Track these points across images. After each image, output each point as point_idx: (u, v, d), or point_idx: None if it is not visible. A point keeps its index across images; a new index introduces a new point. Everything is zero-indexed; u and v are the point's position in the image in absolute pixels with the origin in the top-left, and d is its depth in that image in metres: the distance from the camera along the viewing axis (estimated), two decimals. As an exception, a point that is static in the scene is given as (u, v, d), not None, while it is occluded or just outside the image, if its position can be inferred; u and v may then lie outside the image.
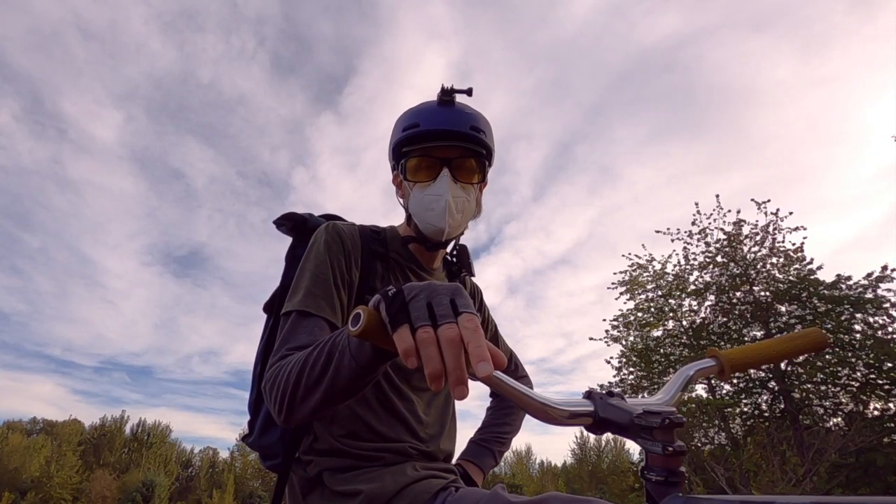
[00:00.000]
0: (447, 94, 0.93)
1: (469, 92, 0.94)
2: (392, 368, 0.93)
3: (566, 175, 76.87)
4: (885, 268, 8.90)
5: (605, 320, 12.29)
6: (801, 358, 9.14)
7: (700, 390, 10.56)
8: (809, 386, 9.35)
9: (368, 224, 1.04)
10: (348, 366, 0.62)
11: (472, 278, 1.17)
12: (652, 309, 11.59)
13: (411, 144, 0.94)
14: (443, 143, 0.92)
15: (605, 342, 12.05)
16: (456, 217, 0.94)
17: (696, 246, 10.91)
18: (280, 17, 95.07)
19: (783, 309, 9.98)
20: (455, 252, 1.07)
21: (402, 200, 1.02)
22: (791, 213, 10.00)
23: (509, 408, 1.22)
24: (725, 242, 10.57)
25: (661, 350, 11.28)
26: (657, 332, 11.66)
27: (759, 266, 10.31)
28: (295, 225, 1.02)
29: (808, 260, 9.92)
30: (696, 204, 10.77)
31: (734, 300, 10.47)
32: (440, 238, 0.96)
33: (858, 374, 8.85)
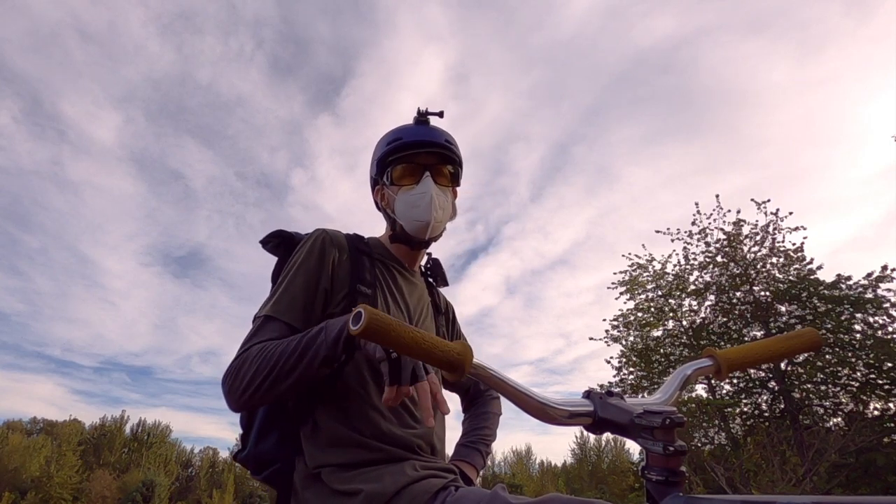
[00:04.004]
0: (422, 116, 1.10)
1: (441, 114, 1.10)
2: None
3: (564, 176, 77.03)
4: (885, 268, 8.89)
5: (604, 320, 12.28)
6: (801, 358, 9.14)
7: (700, 390, 10.57)
8: (809, 386, 9.34)
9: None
10: (324, 357, 0.79)
11: (446, 288, 1.27)
12: (652, 309, 11.58)
13: (396, 154, 1.06)
14: (423, 150, 1.05)
15: (605, 342, 12.04)
16: (439, 212, 1.05)
17: (696, 246, 10.90)
18: (278, 19, 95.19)
19: (783, 309, 9.97)
20: (429, 265, 1.19)
21: (385, 210, 1.12)
22: (791, 213, 10.00)
23: (485, 413, 1.27)
24: (725, 242, 10.56)
25: (661, 350, 11.26)
26: (657, 332, 11.65)
27: (759, 266, 10.29)
28: (282, 241, 1.06)
29: (808, 260, 9.92)
30: (696, 204, 10.76)
31: (734, 300, 10.46)
32: (424, 235, 1.07)
33: (858, 374, 8.84)
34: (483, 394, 1.30)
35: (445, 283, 1.23)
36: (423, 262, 1.19)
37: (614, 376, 11.66)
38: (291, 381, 0.80)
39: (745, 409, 10.16)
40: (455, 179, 1.12)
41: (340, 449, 0.88)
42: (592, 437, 12.36)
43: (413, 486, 0.82)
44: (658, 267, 11.53)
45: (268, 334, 0.88)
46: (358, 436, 0.88)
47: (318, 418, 0.91)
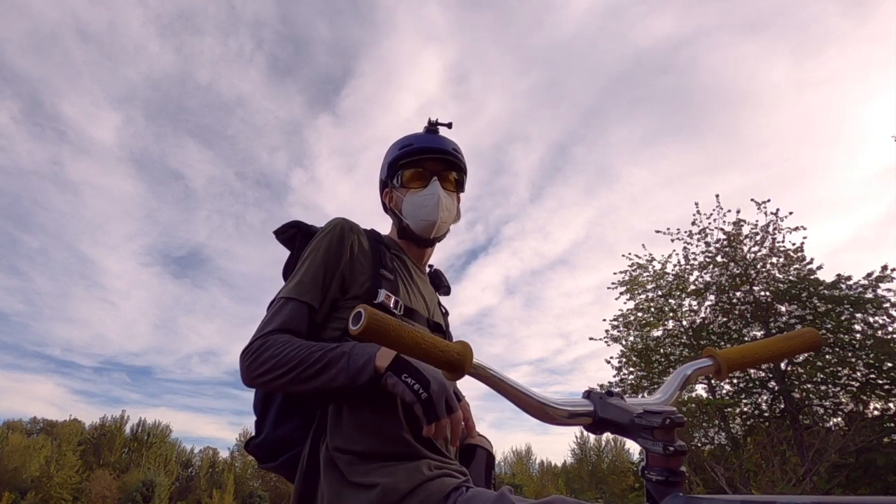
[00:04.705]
0: (432, 126, 1.18)
1: (450, 125, 1.19)
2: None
3: (563, 176, 77.05)
4: (885, 268, 8.88)
5: (605, 320, 12.28)
6: (801, 358, 9.13)
7: (700, 390, 10.56)
8: (809, 386, 9.33)
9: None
10: (342, 383, 0.83)
11: (445, 298, 1.33)
12: (652, 309, 11.57)
13: (406, 158, 1.13)
14: (432, 156, 1.12)
15: (605, 342, 12.04)
16: (444, 213, 1.12)
17: (696, 246, 10.89)
18: (277, 20, 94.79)
19: (783, 309, 9.96)
20: (432, 274, 1.26)
21: (393, 210, 1.18)
22: (791, 213, 10.00)
23: None
24: (725, 242, 10.55)
25: (661, 350, 11.25)
26: (657, 332, 11.64)
27: (759, 266, 10.29)
28: (298, 232, 1.08)
29: (808, 260, 9.91)
30: (696, 204, 10.76)
31: (734, 300, 10.45)
32: (430, 234, 1.13)
33: (858, 374, 8.83)
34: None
35: (447, 292, 1.28)
36: (431, 263, 1.25)
37: (614, 376, 11.67)
38: (306, 388, 0.85)
39: (745, 409, 10.15)
40: (460, 186, 1.19)
41: (363, 433, 0.88)
42: (592, 437, 12.37)
43: (427, 485, 0.83)
44: (658, 267, 11.53)
45: (287, 315, 0.93)
46: (383, 421, 0.89)
47: (345, 398, 0.91)
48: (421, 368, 0.82)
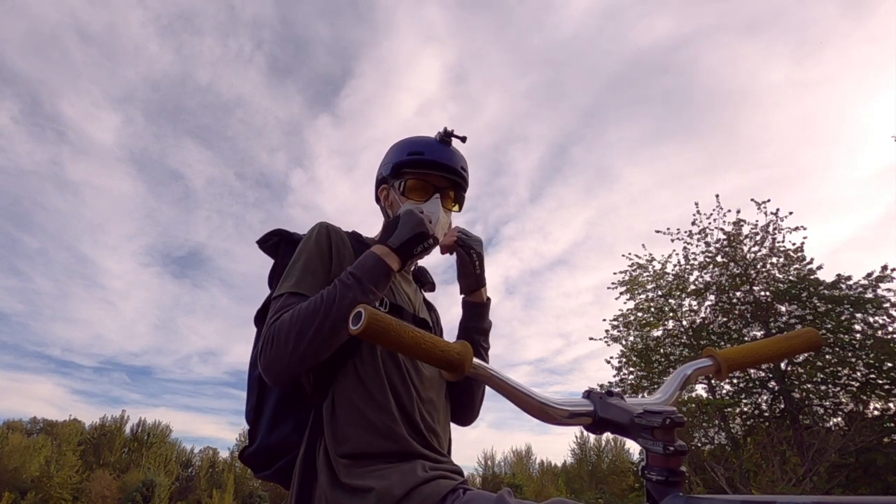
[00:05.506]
0: (447, 136, 1.12)
1: (464, 139, 1.14)
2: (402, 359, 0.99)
3: (562, 177, 76.90)
4: (885, 268, 8.88)
5: (604, 320, 12.28)
6: (801, 358, 9.13)
7: (700, 390, 10.56)
8: (809, 386, 9.33)
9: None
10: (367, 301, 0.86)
11: (432, 294, 1.33)
12: (652, 309, 11.57)
13: (413, 167, 1.10)
14: (439, 173, 1.10)
15: (605, 342, 12.03)
16: (438, 234, 1.10)
17: (696, 246, 10.89)
18: (276, 20, 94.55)
19: (783, 309, 9.96)
20: (415, 272, 1.25)
21: (386, 210, 1.18)
22: (791, 213, 10.00)
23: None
24: (725, 242, 10.56)
25: (661, 350, 11.25)
26: (657, 332, 11.63)
27: (759, 266, 10.29)
28: (282, 240, 1.08)
29: (808, 260, 9.91)
30: (696, 204, 10.76)
31: (734, 300, 10.45)
32: None
33: (858, 374, 8.83)
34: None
35: (432, 289, 1.28)
36: (411, 269, 1.24)
37: (614, 376, 11.67)
38: (337, 329, 0.85)
39: (745, 409, 10.14)
40: (459, 202, 1.19)
41: (357, 428, 0.88)
42: (592, 437, 12.38)
43: (422, 488, 0.82)
44: (658, 267, 11.53)
45: (290, 305, 0.91)
46: (376, 417, 0.89)
47: (338, 395, 0.91)
48: (403, 237, 0.96)
